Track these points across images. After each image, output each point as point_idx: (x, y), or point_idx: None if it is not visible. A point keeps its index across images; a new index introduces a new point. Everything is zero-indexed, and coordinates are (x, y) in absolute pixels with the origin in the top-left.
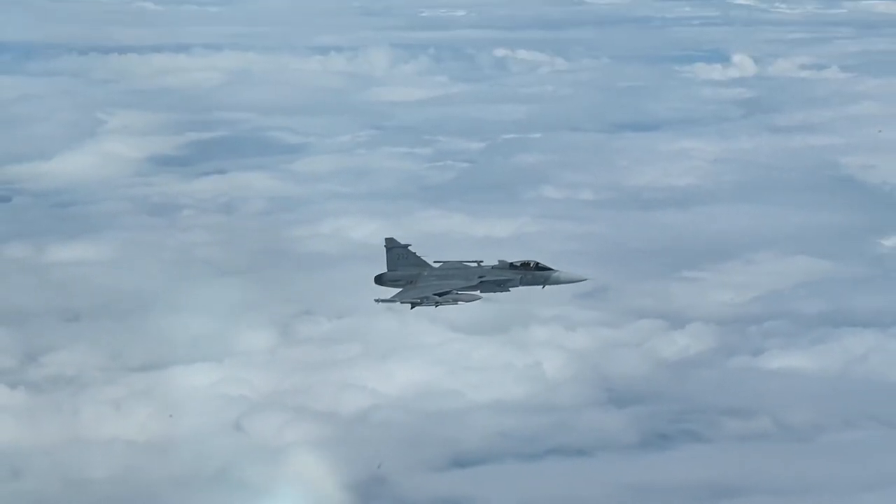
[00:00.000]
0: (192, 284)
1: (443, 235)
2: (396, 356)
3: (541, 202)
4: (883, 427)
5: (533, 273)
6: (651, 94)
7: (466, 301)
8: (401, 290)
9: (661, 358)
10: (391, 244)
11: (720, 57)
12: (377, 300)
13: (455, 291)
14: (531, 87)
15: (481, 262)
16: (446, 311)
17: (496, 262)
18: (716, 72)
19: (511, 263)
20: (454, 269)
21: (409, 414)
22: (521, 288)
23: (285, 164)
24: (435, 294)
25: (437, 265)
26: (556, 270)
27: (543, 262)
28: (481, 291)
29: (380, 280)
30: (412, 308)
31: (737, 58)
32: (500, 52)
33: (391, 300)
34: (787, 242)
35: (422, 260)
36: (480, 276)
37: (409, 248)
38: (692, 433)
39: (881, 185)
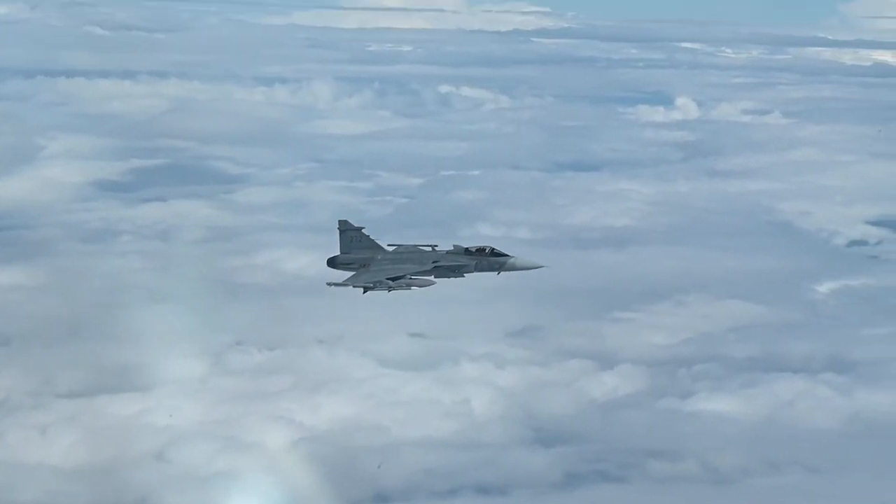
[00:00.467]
0: (124, 311)
1: None
2: (326, 389)
3: (476, 239)
4: (808, 472)
5: (488, 259)
6: (593, 135)
7: (420, 286)
8: (353, 273)
9: (590, 398)
10: (344, 226)
11: (664, 99)
12: (329, 283)
13: (409, 276)
14: (474, 124)
15: (436, 246)
16: (376, 345)
17: (451, 248)
18: (658, 114)
19: (466, 249)
20: (408, 254)
21: (335, 448)
22: (475, 274)
23: (225, 193)
24: (388, 278)
25: (391, 249)
26: (513, 257)
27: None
28: (435, 276)
29: (332, 263)
30: (364, 293)
31: (680, 101)
32: (444, 88)
33: (343, 283)
34: (720, 286)
35: (375, 243)
36: (435, 261)
37: (363, 230)
38: (616, 475)
39: (817, 231)
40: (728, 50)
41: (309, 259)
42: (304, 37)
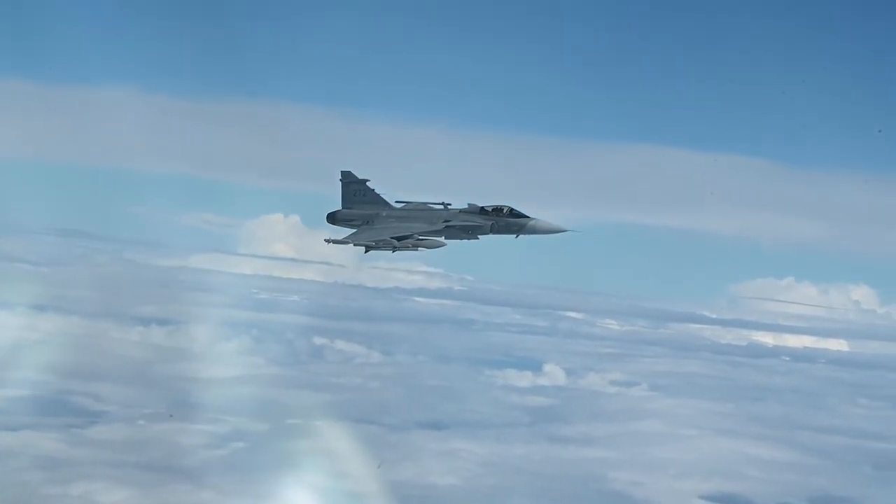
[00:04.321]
0: None
1: None
2: None
3: (293, 487)
4: None
5: (506, 220)
6: (454, 395)
7: (429, 247)
8: (355, 230)
9: None
10: (348, 178)
11: (534, 365)
12: (327, 240)
13: (416, 236)
14: (340, 377)
15: (448, 204)
16: None
17: (465, 206)
18: (525, 379)
19: (482, 208)
20: (417, 211)
21: None
22: (491, 236)
23: (76, 428)
24: (393, 237)
25: (398, 206)
26: (533, 218)
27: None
28: (446, 238)
29: (332, 218)
30: (366, 252)
31: (548, 367)
32: (319, 340)
33: (343, 241)
34: None
35: (381, 198)
36: (446, 221)
37: (368, 183)
38: None
39: (644, 501)
40: (612, 321)
41: (124, 494)
42: (192, 280)
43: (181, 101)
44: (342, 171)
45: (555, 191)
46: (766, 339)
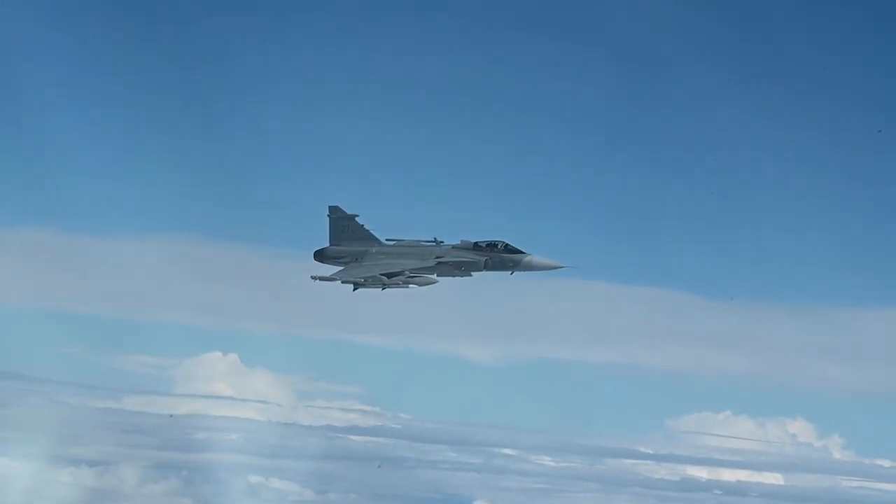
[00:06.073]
0: None
1: None
2: None
3: None
4: None
5: (501, 256)
6: None
7: (420, 285)
8: (343, 267)
9: None
10: (336, 213)
11: (464, 502)
12: (314, 277)
13: (407, 272)
14: None
15: (441, 241)
16: None
17: (458, 242)
18: None
19: (475, 243)
20: (408, 248)
21: None
22: (485, 273)
23: None
24: (383, 274)
25: (389, 243)
26: (528, 254)
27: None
28: (438, 275)
29: (320, 255)
30: (354, 290)
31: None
32: (254, 478)
33: (331, 278)
34: None
35: (371, 234)
36: (438, 257)
37: (357, 219)
38: None
39: None
40: (546, 457)
41: None
42: (125, 421)
43: (107, 242)
44: (330, 207)
45: (484, 327)
46: (700, 473)
